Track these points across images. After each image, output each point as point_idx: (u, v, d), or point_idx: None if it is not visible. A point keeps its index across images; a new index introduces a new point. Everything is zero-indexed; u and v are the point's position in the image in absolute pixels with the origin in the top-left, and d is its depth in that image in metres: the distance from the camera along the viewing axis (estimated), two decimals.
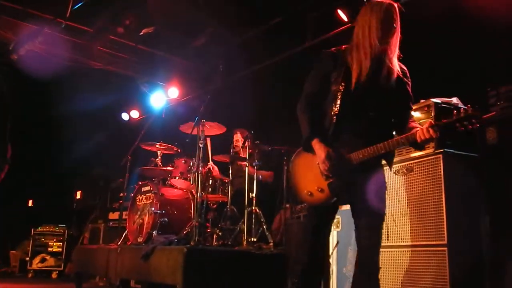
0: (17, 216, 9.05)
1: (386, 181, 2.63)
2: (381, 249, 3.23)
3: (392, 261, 3.20)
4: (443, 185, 2.93)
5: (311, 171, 2.63)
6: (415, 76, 2.73)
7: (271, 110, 6.37)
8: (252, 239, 5.11)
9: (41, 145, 8.04)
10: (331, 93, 2.60)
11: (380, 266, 2.51)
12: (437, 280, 2.86)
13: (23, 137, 6.47)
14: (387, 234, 3.26)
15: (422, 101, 3.33)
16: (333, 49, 2.72)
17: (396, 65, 2.60)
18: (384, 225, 3.08)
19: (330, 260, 3.74)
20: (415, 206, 3.09)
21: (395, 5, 2.58)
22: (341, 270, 3.56)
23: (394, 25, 2.53)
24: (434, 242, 2.92)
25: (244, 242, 5.07)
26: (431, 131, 2.35)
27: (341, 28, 5.68)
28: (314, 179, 2.61)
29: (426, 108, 3.26)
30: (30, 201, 9.92)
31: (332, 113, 2.56)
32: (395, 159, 3.24)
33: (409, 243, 3.11)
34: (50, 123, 8.18)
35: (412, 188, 3.14)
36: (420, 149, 2.83)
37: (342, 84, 2.57)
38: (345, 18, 5.59)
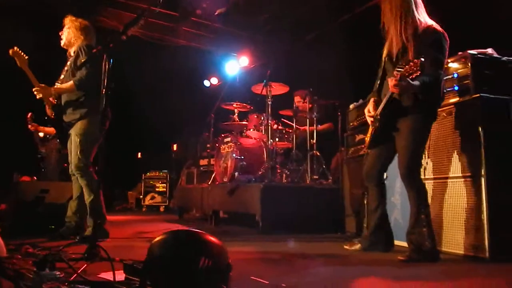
0: (130, 165, 9.58)
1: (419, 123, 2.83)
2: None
3: (433, 192, 3.10)
4: (480, 123, 2.75)
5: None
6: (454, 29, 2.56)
7: (326, 70, 6.22)
8: (314, 177, 5.15)
9: (144, 109, 8.32)
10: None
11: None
12: (475, 207, 2.74)
13: (129, 105, 6.80)
14: (428, 168, 3.15)
15: (459, 53, 3.08)
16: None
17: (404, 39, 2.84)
18: (426, 160, 3.04)
19: None
20: (456, 143, 2.94)
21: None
22: (390, 199, 3.50)
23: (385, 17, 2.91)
24: (472, 174, 2.79)
25: (308, 179, 5.12)
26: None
27: None
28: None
29: (463, 59, 3.02)
30: (139, 154, 10.44)
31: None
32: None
33: (450, 175, 2.97)
34: (152, 94, 8.43)
35: (453, 128, 2.97)
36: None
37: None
38: None
